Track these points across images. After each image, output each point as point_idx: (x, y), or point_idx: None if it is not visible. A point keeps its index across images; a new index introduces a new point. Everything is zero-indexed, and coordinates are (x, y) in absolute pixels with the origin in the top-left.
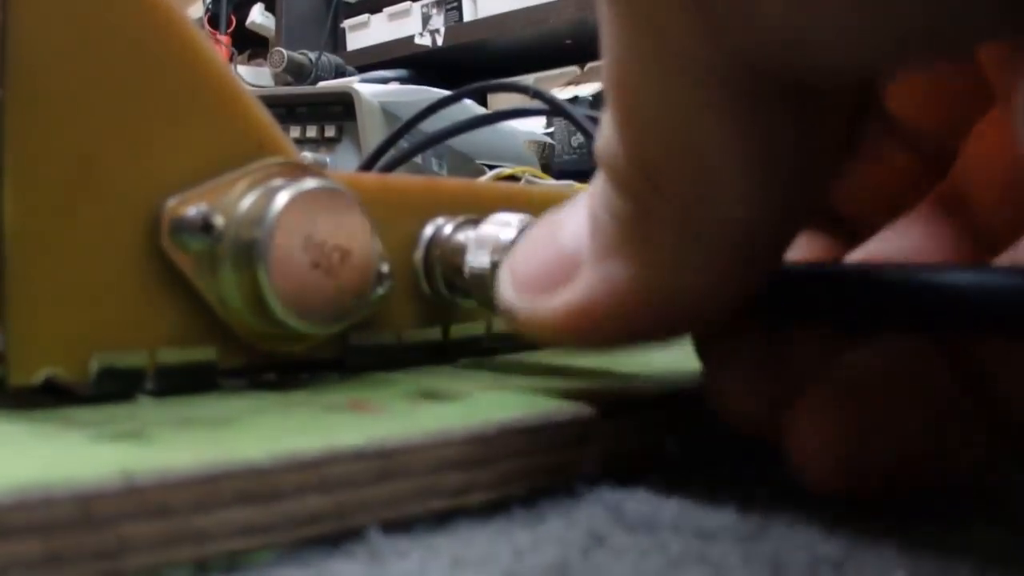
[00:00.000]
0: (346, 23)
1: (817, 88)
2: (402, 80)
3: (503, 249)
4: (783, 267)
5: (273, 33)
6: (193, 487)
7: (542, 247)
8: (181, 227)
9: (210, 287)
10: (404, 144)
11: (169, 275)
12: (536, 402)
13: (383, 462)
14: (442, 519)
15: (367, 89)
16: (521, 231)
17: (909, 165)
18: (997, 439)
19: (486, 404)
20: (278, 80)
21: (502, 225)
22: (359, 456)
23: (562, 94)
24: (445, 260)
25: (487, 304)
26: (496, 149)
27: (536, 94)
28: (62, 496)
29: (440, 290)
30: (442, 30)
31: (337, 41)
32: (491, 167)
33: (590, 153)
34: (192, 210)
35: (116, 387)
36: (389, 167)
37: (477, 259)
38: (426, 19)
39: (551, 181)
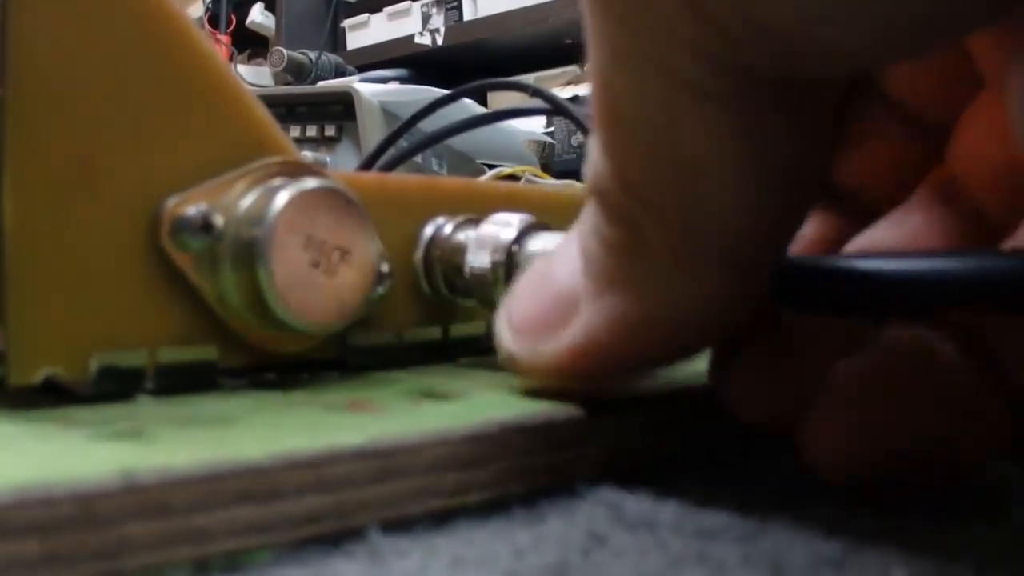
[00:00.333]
0: (346, 23)
1: (807, 80)
2: (402, 80)
3: (503, 248)
4: (787, 260)
5: (273, 33)
6: (193, 486)
7: (537, 290)
8: (181, 227)
9: (210, 287)
10: (404, 143)
11: (169, 275)
12: (536, 402)
13: (383, 462)
14: (442, 519)
15: (367, 89)
16: (521, 231)
17: (907, 141)
18: (1013, 418)
19: (486, 404)
20: (278, 80)
21: (502, 225)
22: (359, 456)
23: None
24: (445, 260)
25: (487, 304)
26: (496, 148)
27: (536, 93)
28: (62, 496)
29: (440, 290)
30: (442, 30)
31: (337, 41)
32: (491, 167)
33: None
34: (192, 210)
35: (116, 387)
36: (389, 166)
37: (477, 259)
38: (426, 19)
39: (551, 180)
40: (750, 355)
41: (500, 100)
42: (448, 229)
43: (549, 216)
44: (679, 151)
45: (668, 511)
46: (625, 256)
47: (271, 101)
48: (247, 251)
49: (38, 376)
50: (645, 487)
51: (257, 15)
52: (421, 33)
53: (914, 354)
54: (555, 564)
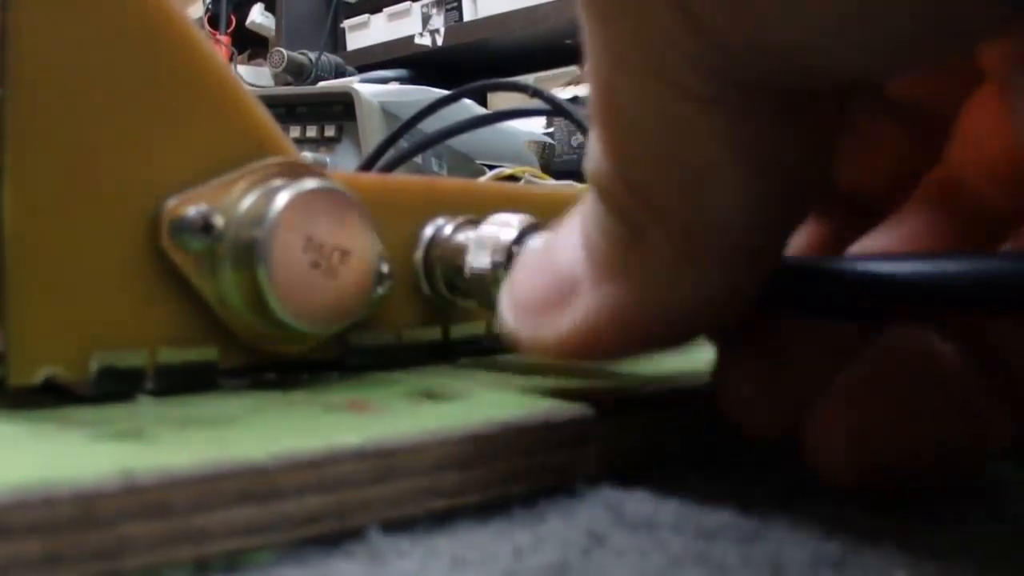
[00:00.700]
0: (346, 23)
1: (808, 90)
2: (402, 80)
3: (503, 249)
4: (785, 261)
5: (273, 33)
6: (193, 487)
7: (539, 271)
8: (181, 227)
9: (210, 287)
10: (404, 144)
11: (169, 275)
12: (536, 402)
13: (383, 462)
14: (442, 519)
15: (367, 89)
16: (521, 231)
17: (906, 141)
18: (1014, 418)
19: (486, 404)
20: (278, 80)
21: (502, 225)
22: (359, 456)
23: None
24: (445, 260)
25: (487, 304)
26: (496, 149)
27: (536, 93)
28: (62, 496)
29: (440, 290)
30: (442, 30)
31: (337, 41)
32: (491, 167)
33: None
34: (192, 210)
35: (116, 387)
36: (389, 167)
37: (477, 259)
38: (426, 19)
39: (551, 181)
40: (749, 366)
41: (500, 101)
42: (448, 230)
43: (549, 216)
44: (681, 154)
45: (668, 511)
46: (624, 249)
47: (271, 101)
48: (247, 252)
49: (38, 376)
50: (645, 487)
51: (257, 15)
52: (421, 34)
53: (914, 355)
54: (555, 564)
